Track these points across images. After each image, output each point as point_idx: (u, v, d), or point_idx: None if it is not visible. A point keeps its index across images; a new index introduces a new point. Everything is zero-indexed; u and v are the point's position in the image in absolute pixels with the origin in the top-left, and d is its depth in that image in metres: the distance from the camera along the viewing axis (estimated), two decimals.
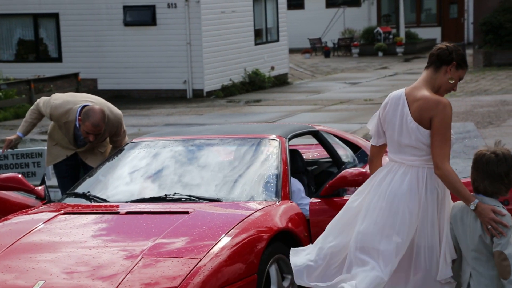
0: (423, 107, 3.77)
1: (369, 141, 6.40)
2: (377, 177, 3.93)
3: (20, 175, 5.29)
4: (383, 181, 3.87)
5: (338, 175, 4.75)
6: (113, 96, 21.15)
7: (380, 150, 4.04)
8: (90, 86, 21.25)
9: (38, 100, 6.29)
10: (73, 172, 6.19)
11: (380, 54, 31.92)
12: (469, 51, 27.12)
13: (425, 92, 3.81)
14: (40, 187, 5.32)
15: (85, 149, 6.09)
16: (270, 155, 5.09)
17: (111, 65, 21.03)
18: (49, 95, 6.38)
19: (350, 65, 28.49)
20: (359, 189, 4.03)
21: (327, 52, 32.69)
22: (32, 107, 6.30)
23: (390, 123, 3.87)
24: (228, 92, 20.93)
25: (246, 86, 21.73)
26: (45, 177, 5.57)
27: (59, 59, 21.54)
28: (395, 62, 29.02)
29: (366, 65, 27.73)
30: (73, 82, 19.95)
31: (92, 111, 5.76)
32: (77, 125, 5.92)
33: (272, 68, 23.07)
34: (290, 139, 5.29)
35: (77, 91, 19.63)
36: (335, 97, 19.14)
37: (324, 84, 22.95)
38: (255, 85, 21.90)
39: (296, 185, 5.11)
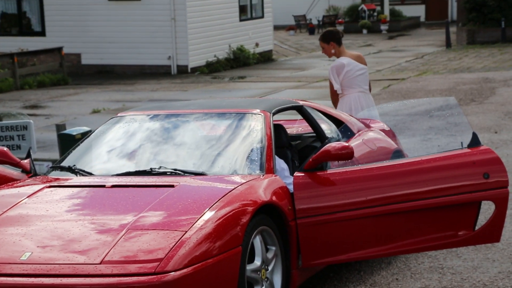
0: None
1: (352, 116, 6.47)
2: None
3: (5, 148, 5.30)
4: None
5: (322, 149, 4.80)
6: (97, 71, 21.09)
7: None
8: (74, 61, 21.15)
9: None
10: None
11: (365, 31, 31.93)
12: (452, 29, 27.22)
13: None
14: (25, 161, 5.34)
15: None
16: (255, 129, 5.14)
17: (95, 40, 20.92)
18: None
19: None
20: None
21: (311, 29, 32.66)
22: None
23: None
24: (212, 68, 20.91)
25: (231, 62, 21.71)
26: (31, 151, 5.58)
27: (42, 33, 21.40)
28: (379, 39, 29.07)
29: (350, 43, 27.73)
30: (56, 57, 19.84)
31: None
32: None
33: (257, 45, 23.06)
34: (274, 113, 5.33)
35: (61, 66, 19.54)
36: (319, 74, 19.18)
37: (309, 61, 22.98)
38: (239, 61, 21.89)
39: (280, 164, 5.16)
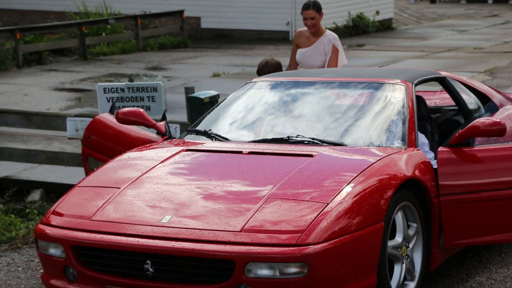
0: None
1: (499, 92, 6.12)
2: None
3: (141, 110, 5.29)
4: None
5: (470, 124, 4.55)
6: (216, 35, 21.19)
7: None
8: (193, 24, 21.34)
9: None
10: None
11: (490, 1, 30.68)
12: None
13: None
14: (161, 123, 5.32)
15: None
16: (397, 100, 4.92)
17: (215, 4, 21.00)
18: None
19: (458, 12, 27.52)
20: None
21: None
22: None
23: None
24: None
25: (350, 30, 21.33)
26: (165, 113, 5.57)
27: None
28: (506, 9, 27.84)
29: (474, 12, 26.73)
30: (177, 20, 20.05)
31: None
32: None
33: (377, 13, 22.54)
34: (416, 84, 5.10)
35: (181, 29, 19.74)
36: (443, 44, 18.55)
37: (430, 31, 22.28)
38: (358, 29, 21.46)
39: (420, 138, 4.93)
